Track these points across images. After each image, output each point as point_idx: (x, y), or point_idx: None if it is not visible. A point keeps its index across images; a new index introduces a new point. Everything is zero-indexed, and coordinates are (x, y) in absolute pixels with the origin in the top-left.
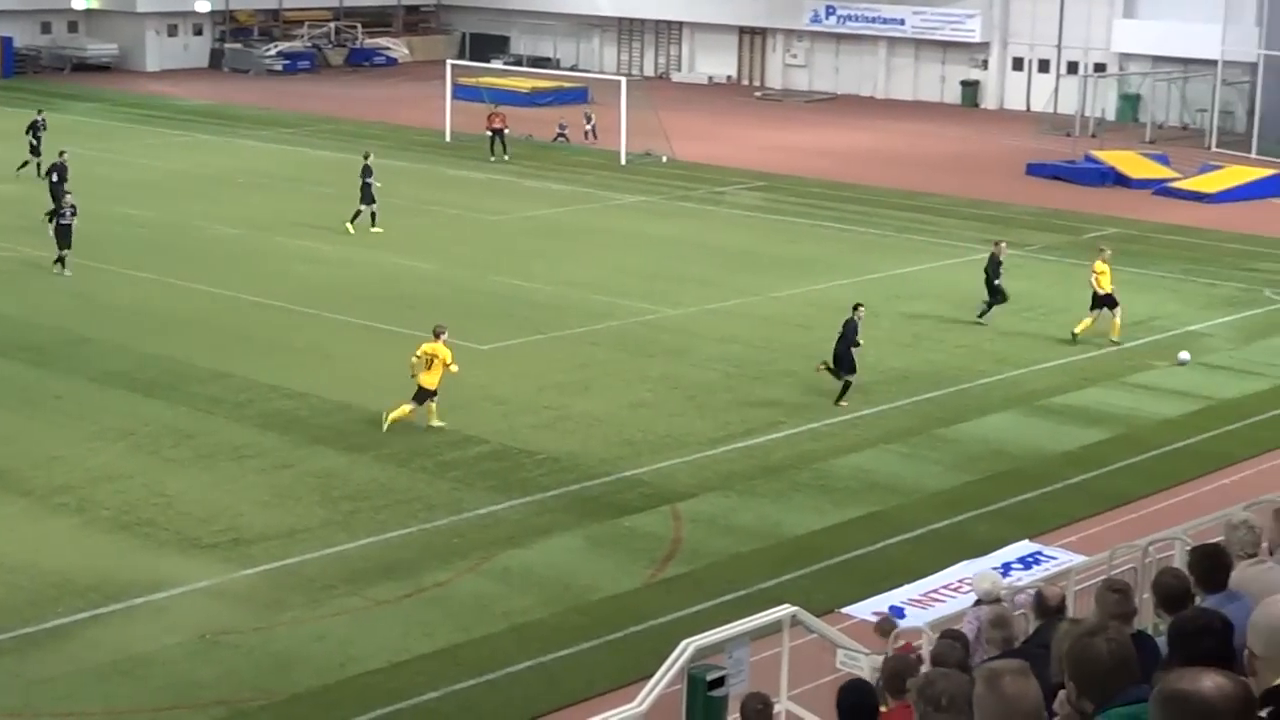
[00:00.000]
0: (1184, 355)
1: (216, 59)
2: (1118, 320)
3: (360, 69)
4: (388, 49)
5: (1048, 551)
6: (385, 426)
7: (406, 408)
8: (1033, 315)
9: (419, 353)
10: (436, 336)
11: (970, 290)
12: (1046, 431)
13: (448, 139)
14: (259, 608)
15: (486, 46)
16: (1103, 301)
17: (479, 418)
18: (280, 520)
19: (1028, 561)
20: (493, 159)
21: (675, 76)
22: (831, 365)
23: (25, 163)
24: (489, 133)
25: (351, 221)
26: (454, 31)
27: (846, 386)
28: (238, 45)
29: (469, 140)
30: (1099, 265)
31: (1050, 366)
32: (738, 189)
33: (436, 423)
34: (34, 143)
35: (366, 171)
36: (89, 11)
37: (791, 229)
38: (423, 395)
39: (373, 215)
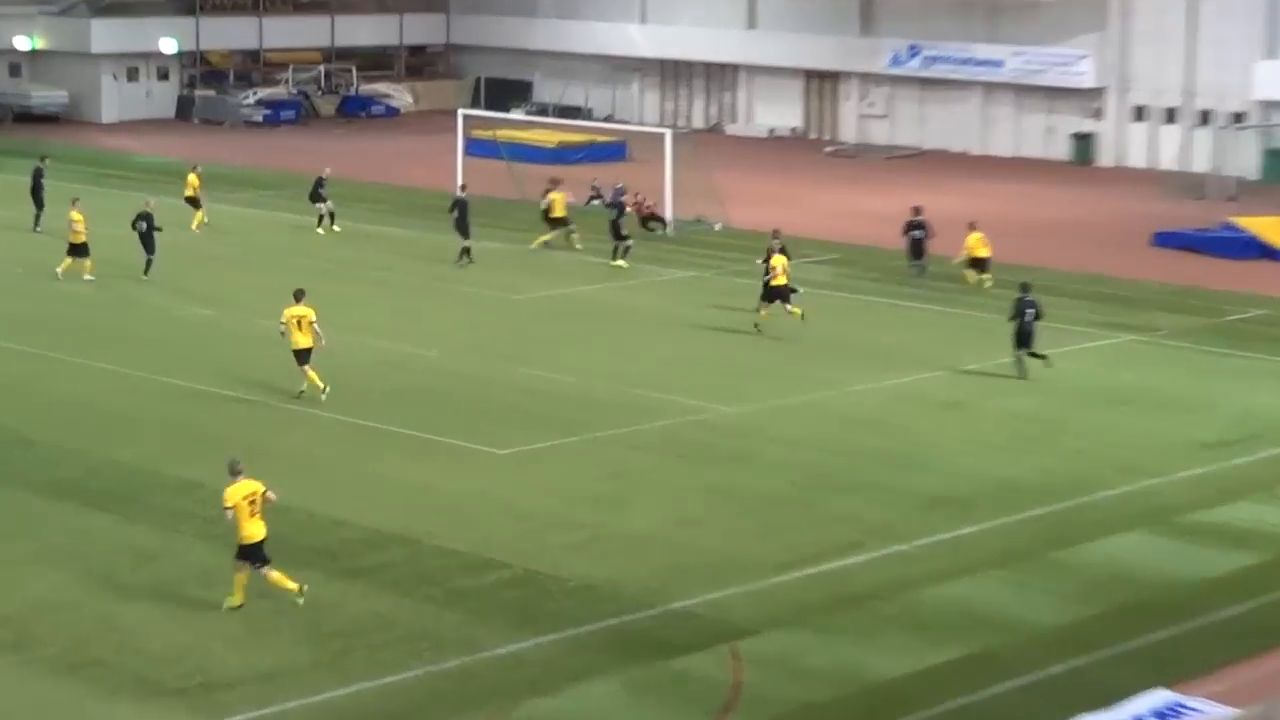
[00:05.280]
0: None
1: (185, 108)
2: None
3: (355, 120)
4: (388, 96)
5: (1189, 703)
6: None
7: None
8: (1165, 414)
9: None
10: None
11: (1091, 383)
12: (1184, 555)
13: None
14: None
15: (505, 93)
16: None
17: (498, 536)
18: (258, 661)
19: (1165, 715)
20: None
21: (730, 129)
22: None
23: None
24: (637, 214)
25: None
26: (466, 76)
27: None
28: (210, 92)
29: (484, 204)
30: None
31: (1187, 476)
32: (806, 263)
33: None
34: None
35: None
36: (34, 52)
37: (871, 310)
38: None
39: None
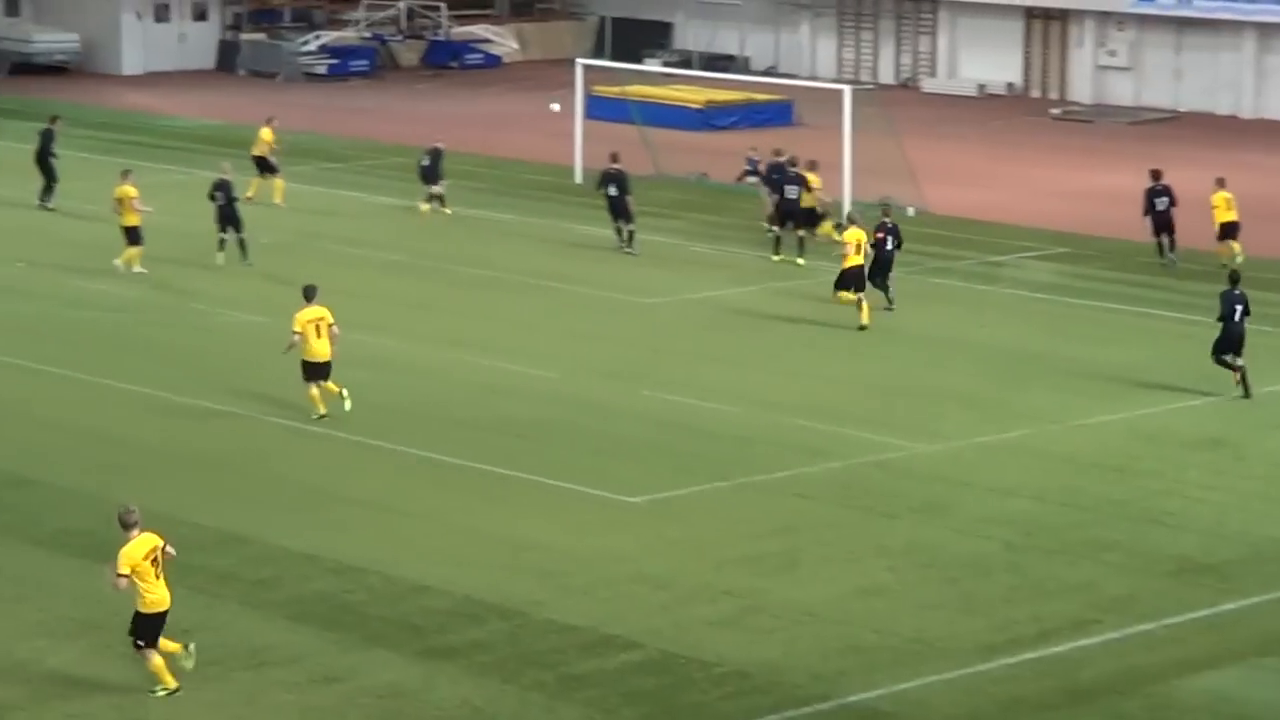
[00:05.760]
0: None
1: (228, 56)
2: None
3: (445, 72)
4: (487, 41)
5: None
6: None
7: None
8: None
9: None
10: None
11: None
12: None
13: (578, 179)
14: None
15: (637, 38)
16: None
17: (627, 608)
18: None
19: None
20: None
21: (928, 85)
22: None
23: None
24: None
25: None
26: (588, 16)
27: None
28: (260, 36)
29: None
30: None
31: None
32: (1025, 258)
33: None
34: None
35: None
36: None
37: (1108, 321)
38: None
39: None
